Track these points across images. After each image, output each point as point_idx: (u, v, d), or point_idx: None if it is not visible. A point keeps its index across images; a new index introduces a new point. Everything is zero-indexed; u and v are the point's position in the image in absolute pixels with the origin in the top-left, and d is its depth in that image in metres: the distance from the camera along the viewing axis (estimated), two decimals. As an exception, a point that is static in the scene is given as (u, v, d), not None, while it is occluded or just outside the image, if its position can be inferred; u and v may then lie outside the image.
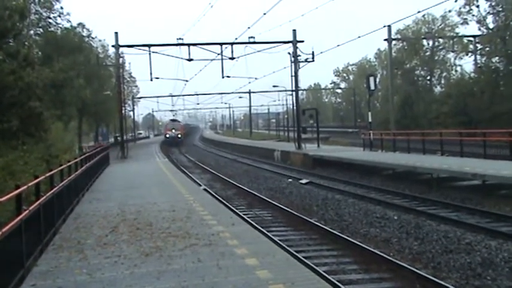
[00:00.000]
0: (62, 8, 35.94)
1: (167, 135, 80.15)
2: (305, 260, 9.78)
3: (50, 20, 35.61)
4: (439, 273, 9.45)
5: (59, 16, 36.13)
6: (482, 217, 14.06)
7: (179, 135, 79.98)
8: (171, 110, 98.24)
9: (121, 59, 42.85)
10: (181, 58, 37.05)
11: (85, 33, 43.95)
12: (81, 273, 7.31)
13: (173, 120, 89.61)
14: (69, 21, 38.35)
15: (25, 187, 8.33)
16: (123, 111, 44.40)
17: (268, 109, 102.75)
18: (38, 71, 23.45)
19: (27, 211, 7.78)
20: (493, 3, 41.13)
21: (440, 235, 12.09)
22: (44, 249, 8.82)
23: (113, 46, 39.56)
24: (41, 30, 35.38)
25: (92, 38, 46.35)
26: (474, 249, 10.72)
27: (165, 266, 7.51)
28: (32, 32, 32.93)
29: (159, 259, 7.90)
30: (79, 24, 42.30)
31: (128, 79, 67.55)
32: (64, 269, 7.61)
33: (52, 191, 10.33)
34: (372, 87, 35.51)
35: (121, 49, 39.62)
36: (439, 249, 10.98)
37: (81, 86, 37.38)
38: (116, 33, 37.80)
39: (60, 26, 37.39)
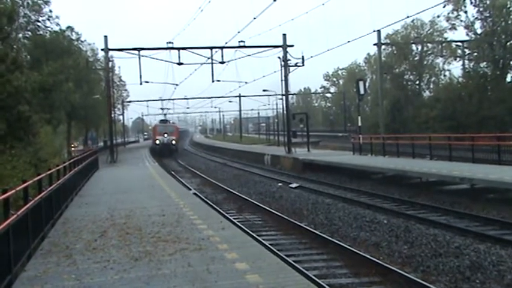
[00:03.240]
0: (51, 11, 35.77)
1: (157, 142, 60.51)
2: (295, 264, 9.78)
3: (39, 24, 35.47)
4: (428, 276, 9.50)
5: (48, 19, 35.97)
6: (471, 221, 14.16)
7: (173, 142, 60.78)
8: (162, 109, 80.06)
9: (110, 63, 42.50)
10: (171, 62, 37.06)
11: (74, 36, 43.68)
12: (70, 279, 7.24)
13: (164, 121, 68.12)
14: (58, 24, 38.17)
15: (13, 191, 8.25)
16: (112, 115, 44.15)
17: (258, 113, 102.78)
18: (26, 74, 23.27)
19: (15, 216, 7.71)
20: (481, 9, 41.56)
21: (429, 239, 12.15)
22: (32, 254, 8.74)
23: (102, 50, 39.38)
24: (29, 33, 35.18)
25: (81, 41, 46.12)
26: (463, 253, 10.79)
27: (154, 270, 7.46)
28: (20, 35, 32.74)
29: (148, 264, 7.85)
30: (68, 27, 42.02)
31: (118, 83, 67.25)
32: (52, 274, 7.54)
33: (40, 196, 10.24)
34: (362, 91, 35.69)
35: (110, 53, 39.42)
36: (428, 252, 11.04)
37: (70, 90, 37.13)
38: (106, 36, 37.65)
39: (49, 29, 37.22)
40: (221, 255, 8.24)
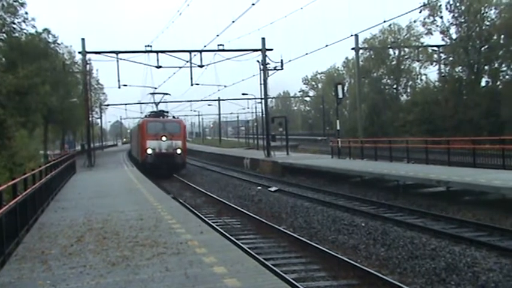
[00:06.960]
0: (26, 13, 35.14)
1: (148, 151, 34.05)
2: (274, 268, 9.79)
3: (14, 26, 34.80)
4: (405, 278, 9.61)
5: (24, 21, 35.32)
6: (447, 223, 14.36)
7: (178, 150, 34.41)
8: (152, 94, 44.28)
9: (88, 66, 42.00)
10: (150, 65, 36.66)
11: (51, 39, 43.00)
12: (45, 285, 7.13)
13: (159, 114, 39.13)
14: (34, 26, 37.54)
15: (-14, 196, 8.11)
16: (90, 119, 43.64)
17: (238, 117, 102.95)
18: (1, 77, 22.92)
19: (-12, 221, 7.57)
20: (456, 15, 42.40)
21: (406, 241, 12.29)
22: (6, 260, 8.58)
23: (79, 53, 38.91)
24: (4, 35, 34.54)
25: (58, 44, 45.46)
26: (439, 255, 10.93)
27: (132, 275, 7.39)
28: (-5, 37, 32.20)
29: (125, 269, 7.78)
30: (44, 30, 41.33)
31: (96, 86, 66.52)
32: (27, 280, 7.41)
33: (15, 200, 10.07)
34: (340, 95, 35.95)
35: (88, 56, 38.97)
36: (405, 255, 11.16)
37: (46, 93, 36.58)
38: (83, 39, 37.22)
39: (25, 31, 36.60)
40: (199, 259, 8.21)
